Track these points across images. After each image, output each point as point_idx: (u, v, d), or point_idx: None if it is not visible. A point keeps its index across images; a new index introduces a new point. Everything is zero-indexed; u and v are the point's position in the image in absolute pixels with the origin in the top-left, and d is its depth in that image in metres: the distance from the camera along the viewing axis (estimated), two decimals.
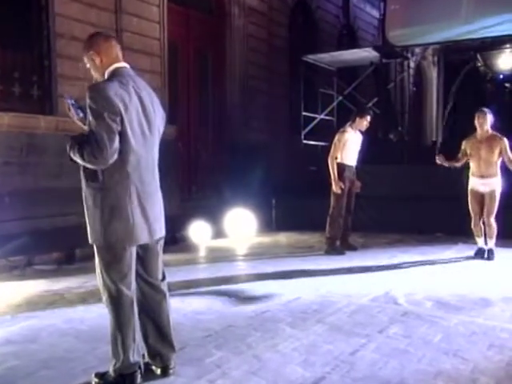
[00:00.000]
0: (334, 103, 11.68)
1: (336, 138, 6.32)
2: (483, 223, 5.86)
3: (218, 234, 7.49)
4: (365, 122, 6.39)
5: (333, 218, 6.30)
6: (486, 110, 5.88)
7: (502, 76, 14.44)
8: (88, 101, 2.44)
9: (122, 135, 2.48)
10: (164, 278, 2.82)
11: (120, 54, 2.66)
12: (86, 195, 2.57)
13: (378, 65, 11.03)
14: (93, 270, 5.22)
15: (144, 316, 2.73)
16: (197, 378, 2.74)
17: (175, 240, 6.79)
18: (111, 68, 2.59)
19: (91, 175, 2.52)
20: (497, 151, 5.73)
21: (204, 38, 9.40)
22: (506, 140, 5.74)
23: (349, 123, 6.43)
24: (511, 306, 4.05)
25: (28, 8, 6.68)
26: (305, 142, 10.93)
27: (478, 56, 13.54)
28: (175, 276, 4.58)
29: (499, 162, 5.79)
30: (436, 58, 15.46)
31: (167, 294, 2.80)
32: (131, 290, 2.62)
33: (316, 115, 11.34)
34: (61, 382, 2.74)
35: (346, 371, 2.83)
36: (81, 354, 3.09)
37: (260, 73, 10.40)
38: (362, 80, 11.57)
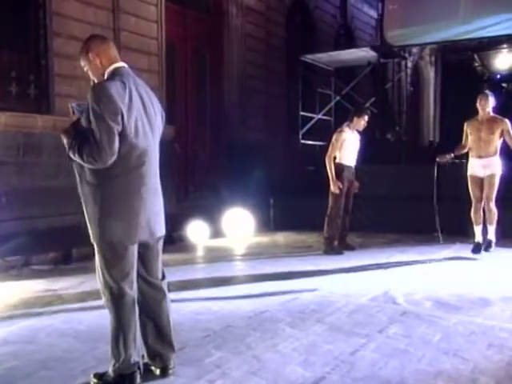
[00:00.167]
0: (332, 103, 11.67)
1: (334, 137, 6.31)
2: (483, 211, 5.85)
3: (216, 233, 7.47)
4: (362, 122, 6.38)
5: (331, 218, 6.29)
6: (487, 92, 5.92)
7: (498, 76, 14.50)
8: (89, 100, 2.44)
9: (124, 133, 2.47)
10: (164, 277, 2.81)
11: (118, 55, 2.67)
12: (85, 192, 2.55)
13: (375, 65, 11.03)
14: (90, 270, 5.20)
15: (144, 316, 2.72)
16: (196, 379, 2.73)
17: (173, 240, 6.77)
18: (111, 68, 2.59)
19: (91, 172, 2.50)
20: (497, 132, 5.74)
21: (202, 38, 9.39)
22: (508, 122, 5.75)
23: (346, 123, 6.43)
24: (510, 306, 4.05)
25: (25, 7, 6.66)
26: (303, 141, 10.92)
27: (476, 56, 13.59)
28: (173, 276, 4.53)
29: (500, 144, 5.79)
30: (433, 58, 15.50)
31: (167, 293, 2.79)
32: (133, 290, 2.61)
33: (314, 115, 11.34)
34: (60, 382, 2.73)
35: (346, 371, 2.82)
36: (80, 354, 3.07)
37: (258, 72, 10.39)
38: (359, 80, 11.58)
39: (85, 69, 2.66)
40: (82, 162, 2.48)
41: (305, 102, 11.02)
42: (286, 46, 11.24)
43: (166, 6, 8.35)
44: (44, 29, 6.77)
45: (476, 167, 5.85)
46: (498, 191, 5.80)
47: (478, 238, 5.98)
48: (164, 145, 2.86)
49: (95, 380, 2.64)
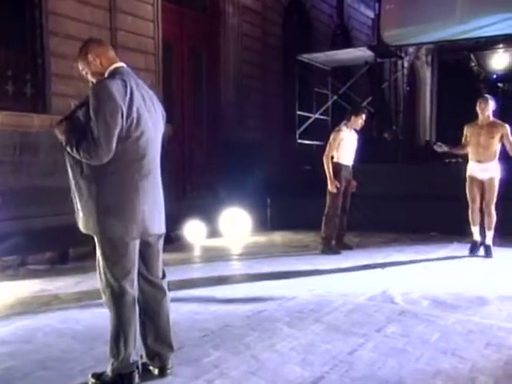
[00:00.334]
0: (329, 102, 11.68)
1: (331, 137, 6.30)
2: (481, 211, 5.86)
3: (213, 233, 7.46)
4: (360, 121, 6.38)
5: (328, 218, 6.29)
6: (487, 96, 5.92)
7: (495, 76, 14.53)
8: (90, 98, 2.45)
9: (124, 130, 2.47)
10: (164, 276, 2.81)
11: (116, 56, 2.69)
12: (80, 185, 2.53)
13: (372, 64, 11.04)
14: (87, 270, 5.24)
15: (144, 315, 2.71)
16: (195, 378, 2.72)
17: (170, 239, 6.74)
18: (111, 68, 2.60)
19: (88, 165, 2.49)
20: (497, 137, 5.74)
21: (198, 37, 9.38)
22: (507, 126, 5.76)
23: (344, 122, 6.42)
24: (507, 305, 4.06)
25: (21, 6, 6.63)
26: (299, 141, 10.93)
27: (472, 56, 13.62)
28: (171, 275, 4.42)
29: (499, 148, 5.80)
30: (429, 58, 15.53)
31: (167, 292, 2.79)
32: (133, 288, 2.61)
33: (311, 114, 11.34)
34: (58, 382, 2.71)
35: (344, 371, 2.82)
36: (77, 354, 3.06)
37: (254, 71, 10.38)
38: (356, 79, 11.58)
39: (83, 72, 2.67)
40: (78, 157, 2.49)
41: (302, 101, 11.03)
42: (283, 45, 11.23)
43: (162, 5, 8.33)
44: (40, 28, 6.74)
45: (475, 170, 5.86)
46: (497, 194, 5.81)
47: (476, 237, 5.99)
48: (162, 144, 2.86)
49: (93, 380, 2.63)
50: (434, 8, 9.54)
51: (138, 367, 2.64)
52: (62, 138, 2.53)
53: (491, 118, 5.84)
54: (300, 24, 12.03)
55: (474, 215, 5.90)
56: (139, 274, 2.68)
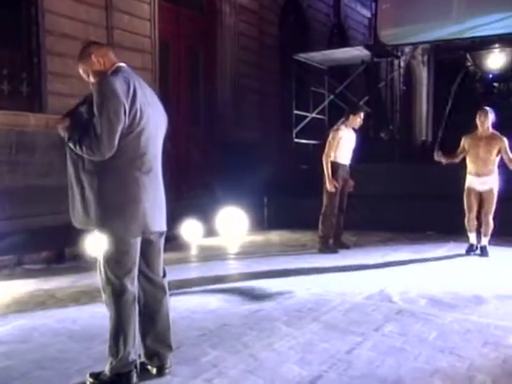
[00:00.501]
0: (326, 102, 11.68)
1: (330, 136, 6.29)
2: (477, 219, 5.87)
3: (210, 232, 7.45)
4: (358, 119, 6.38)
5: (326, 217, 6.29)
6: (487, 108, 5.92)
7: (491, 75, 14.57)
8: (94, 94, 2.47)
9: (126, 127, 2.49)
10: (165, 275, 2.81)
11: (116, 57, 2.72)
12: (82, 179, 2.53)
13: (369, 64, 11.05)
14: (83, 270, 5.23)
15: (143, 314, 2.71)
16: (193, 378, 2.72)
17: (167, 238, 6.68)
18: (113, 68, 2.62)
19: (90, 160, 2.50)
20: (495, 150, 5.75)
21: (195, 36, 9.36)
22: (506, 140, 5.77)
23: (342, 120, 6.42)
24: (504, 304, 4.07)
25: (17, 4, 6.60)
26: (296, 140, 10.92)
27: (468, 56, 13.65)
28: (168, 274, 4.49)
29: (497, 161, 5.81)
30: (426, 58, 15.55)
31: (167, 291, 2.79)
32: (134, 286, 2.61)
33: (307, 114, 11.34)
34: (56, 382, 2.70)
35: (343, 369, 2.82)
36: (74, 354, 3.04)
37: (251, 71, 10.38)
38: (353, 79, 11.59)
39: (85, 74, 2.67)
40: (80, 153, 2.50)
41: (298, 100, 11.02)
42: (280, 44, 11.23)
43: (159, 4, 8.31)
44: (36, 26, 6.71)
45: (474, 183, 5.87)
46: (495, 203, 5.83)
47: (472, 240, 6.02)
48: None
49: (91, 380, 2.62)
50: (431, 8, 9.55)
51: (136, 366, 2.63)
52: (64, 134, 2.55)
53: (490, 130, 5.85)
54: (297, 23, 12.02)
55: (470, 223, 5.94)
56: (140, 272, 2.68)
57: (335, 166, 6.24)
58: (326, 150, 6.23)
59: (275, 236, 7.63)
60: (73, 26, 6.99)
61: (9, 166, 6.24)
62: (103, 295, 2.62)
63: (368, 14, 14.46)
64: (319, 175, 6.32)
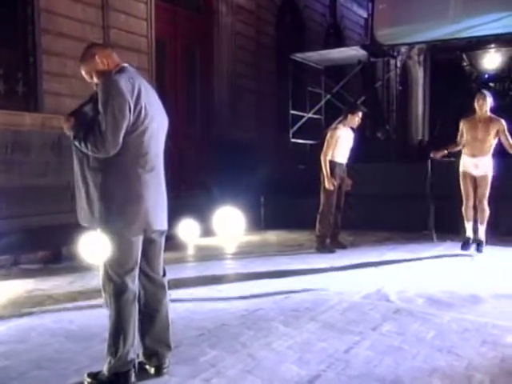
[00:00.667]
0: (322, 102, 11.69)
1: (328, 134, 6.29)
2: (474, 208, 5.88)
3: (207, 232, 7.44)
4: (357, 119, 6.38)
5: (323, 216, 6.29)
6: (486, 92, 5.94)
7: (486, 75, 14.60)
8: (99, 92, 2.49)
9: (131, 124, 2.51)
10: (165, 273, 2.81)
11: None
12: (87, 177, 2.55)
13: (365, 63, 11.06)
14: (80, 269, 5.21)
15: (143, 313, 2.70)
16: (191, 377, 2.71)
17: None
18: (117, 68, 2.63)
19: (94, 157, 2.51)
20: (493, 133, 5.76)
21: (191, 36, 9.36)
22: (504, 122, 5.78)
23: (340, 119, 6.42)
24: (501, 303, 4.08)
25: (13, 3, 6.58)
26: (293, 140, 10.93)
27: (464, 56, 13.68)
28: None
29: (494, 144, 5.82)
30: (422, 58, 15.57)
31: (167, 290, 2.79)
32: (135, 285, 2.62)
33: (304, 114, 11.35)
34: (54, 382, 2.69)
35: (341, 369, 2.82)
36: (72, 354, 3.03)
37: (248, 71, 10.38)
38: (349, 79, 11.60)
39: (88, 75, 2.67)
40: (85, 151, 2.52)
41: (295, 100, 11.03)
42: (276, 44, 11.24)
43: (155, 3, 8.31)
44: (32, 25, 6.70)
45: (468, 165, 5.87)
46: (490, 192, 5.83)
47: (469, 233, 6.01)
48: None
49: (89, 379, 2.61)
50: (427, 8, 9.58)
51: (134, 366, 2.63)
52: (69, 133, 2.56)
53: (489, 113, 5.86)
54: (293, 23, 12.04)
55: (467, 211, 5.91)
56: (140, 270, 2.68)
57: (332, 164, 6.24)
58: (325, 148, 6.24)
59: (272, 236, 7.63)
60: (69, 26, 6.97)
61: (4, 166, 6.22)
62: (103, 294, 2.62)
63: (364, 14, 14.50)
64: (316, 175, 6.32)
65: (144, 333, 2.72)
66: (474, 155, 5.84)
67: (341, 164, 6.37)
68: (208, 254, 6.30)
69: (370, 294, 4.33)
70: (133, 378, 2.60)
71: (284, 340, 3.25)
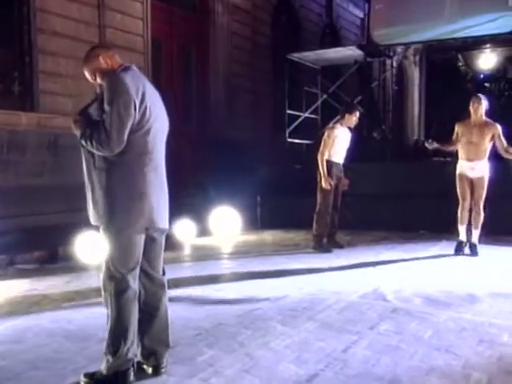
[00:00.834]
0: (319, 101, 11.70)
1: (325, 134, 6.30)
2: (470, 210, 5.89)
3: (203, 232, 7.43)
4: (354, 118, 6.38)
5: (320, 215, 6.29)
6: (481, 95, 5.95)
7: (482, 76, 14.63)
8: (104, 90, 2.50)
9: (136, 122, 2.52)
10: (164, 272, 2.81)
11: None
12: (93, 178, 2.57)
13: (361, 63, 11.08)
14: (76, 269, 5.19)
15: (144, 312, 2.70)
16: (189, 377, 2.70)
17: None
18: (121, 67, 2.64)
19: (100, 156, 2.53)
20: (488, 137, 5.77)
21: (188, 36, 9.34)
22: (499, 126, 5.79)
23: (337, 119, 6.43)
24: (498, 302, 4.09)
25: (9, 2, 6.55)
26: (289, 140, 10.93)
27: (460, 56, 13.71)
28: None
29: (489, 148, 5.83)
30: (418, 58, 15.58)
31: (167, 290, 2.79)
32: (136, 284, 2.62)
33: (300, 113, 11.35)
34: (51, 382, 2.68)
35: (339, 368, 2.82)
36: (69, 354, 3.02)
37: (244, 70, 10.37)
38: (345, 78, 11.61)
39: (92, 76, 2.68)
40: (91, 149, 2.53)
41: (291, 100, 11.03)
42: (272, 44, 11.24)
43: (151, 3, 8.29)
44: (28, 25, 6.67)
45: (465, 168, 5.88)
46: (486, 193, 5.84)
47: (462, 236, 6.02)
48: None
49: (86, 380, 2.60)
50: (423, 8, 9.60)
51: (133, 365, 2.62)
52: (77, 132, 2.58)
53: (484, 117, 5.87)
54: (289, 23, 12.04)
55: (463, 213, 5.92)
56: (141, 269, 2.68)
57: (329, 164, 6.24)
58: (322, 148, 6.24)
59: (269, 235, 7.63)
60: (65, 25, 6.95)
61: (0, 166, 6.19)
62: (103, 293, 2.61)
63: (360, 14, 14.50)
64: (313, 175, 6.32)
65: (143, 332, 2.71)
66: (469, 159, 5.84)
67: (338, 164, 6.37)
68: (204, 254, 6.30)
69: (368, 293, 4.34)
70: (131, 377, 2.59)
71: (282, 339, 3.25)
